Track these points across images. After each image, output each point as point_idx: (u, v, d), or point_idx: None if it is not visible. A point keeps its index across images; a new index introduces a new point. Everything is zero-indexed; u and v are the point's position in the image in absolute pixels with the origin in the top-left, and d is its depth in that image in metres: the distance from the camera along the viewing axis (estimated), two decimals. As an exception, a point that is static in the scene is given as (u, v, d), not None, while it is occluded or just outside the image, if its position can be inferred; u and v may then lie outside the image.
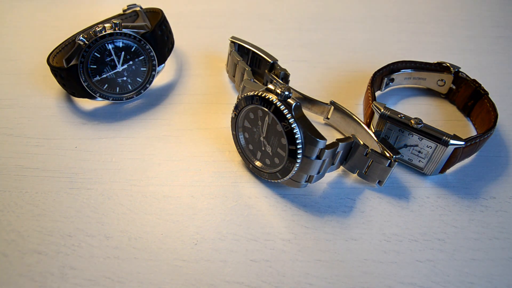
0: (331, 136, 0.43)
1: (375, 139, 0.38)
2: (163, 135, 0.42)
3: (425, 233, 0.35)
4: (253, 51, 0.46)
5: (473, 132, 0.44)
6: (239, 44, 0.47)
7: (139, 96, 0.46)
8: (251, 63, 0.47)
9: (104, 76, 0.43)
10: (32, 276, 0.31)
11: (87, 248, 0.33)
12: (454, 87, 0.47)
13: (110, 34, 0.41)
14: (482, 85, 0.44)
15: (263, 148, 0.37)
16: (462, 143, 0.36)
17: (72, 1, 0.62)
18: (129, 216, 0.35)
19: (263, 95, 0.33)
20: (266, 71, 0.45)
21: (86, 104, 0.45)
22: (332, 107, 0.43)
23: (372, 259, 0.33)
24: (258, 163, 0.38)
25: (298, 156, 0.33)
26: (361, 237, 0.35)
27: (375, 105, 0.39)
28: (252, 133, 0.37)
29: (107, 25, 0.41)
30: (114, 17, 0.50)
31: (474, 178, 0.40)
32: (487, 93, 0.43)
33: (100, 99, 0.43)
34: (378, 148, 0.37)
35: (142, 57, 0.44)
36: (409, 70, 0.47)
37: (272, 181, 0.37)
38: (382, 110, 0.38)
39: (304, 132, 0.32)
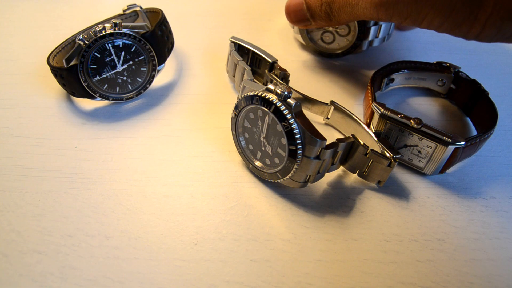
0: (331, 136, 0.43)
1: (375, 139, 0.38)
2: (163, 135, 0.42)
3: (425, 233, 0.35)
4: (253, 51, 0.46)
5: (473, 132, 0.44)
6: (239, 44, 0.47)
7: (139, 96, 0.46)
8: (251, 63, 0.47)
9: (104, 76, 0.43)
10: (32, 276, 0.31)
11: (87, 248, 0.33)
12: (454, 87, 0.47)
13: (110, 34, 0.41)
14: (482, 85, 0.44)
15: (263, 148, 0.37)
16: (462, 143, 0.36)
17: (72, 1, 0.62)
18: (129, 216, 0.35)
19: (263, 95, 0.33)
20: (266, 71, 0.45)
21: (86, 104, 0.45)
22: (332, 107, 0.43)
23: (372, 259, 0.33)
24: (258, 163, 0.38)
25: (298, 156, 0.33)
26: (361, 237, 0.35)
27: (375, 105, 0.39)
28: (252, 133, 0.37)
29: (107, 25, 0.41)
30: (114, 17, 0.50)
31: (474, 178, 0.40)
32: (487, 93, 0.43)
33: (100, 99, 0.43)
34: (378, 148, 0.37)
35: (142, 57, 0.44)
36: (409, 70, 0.47)
37: (272, 181, 0.37)
38: (382, 110, 0.38)
39: (304, 132, 0.32)
